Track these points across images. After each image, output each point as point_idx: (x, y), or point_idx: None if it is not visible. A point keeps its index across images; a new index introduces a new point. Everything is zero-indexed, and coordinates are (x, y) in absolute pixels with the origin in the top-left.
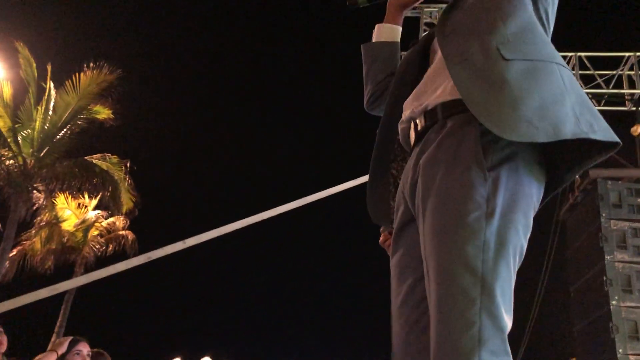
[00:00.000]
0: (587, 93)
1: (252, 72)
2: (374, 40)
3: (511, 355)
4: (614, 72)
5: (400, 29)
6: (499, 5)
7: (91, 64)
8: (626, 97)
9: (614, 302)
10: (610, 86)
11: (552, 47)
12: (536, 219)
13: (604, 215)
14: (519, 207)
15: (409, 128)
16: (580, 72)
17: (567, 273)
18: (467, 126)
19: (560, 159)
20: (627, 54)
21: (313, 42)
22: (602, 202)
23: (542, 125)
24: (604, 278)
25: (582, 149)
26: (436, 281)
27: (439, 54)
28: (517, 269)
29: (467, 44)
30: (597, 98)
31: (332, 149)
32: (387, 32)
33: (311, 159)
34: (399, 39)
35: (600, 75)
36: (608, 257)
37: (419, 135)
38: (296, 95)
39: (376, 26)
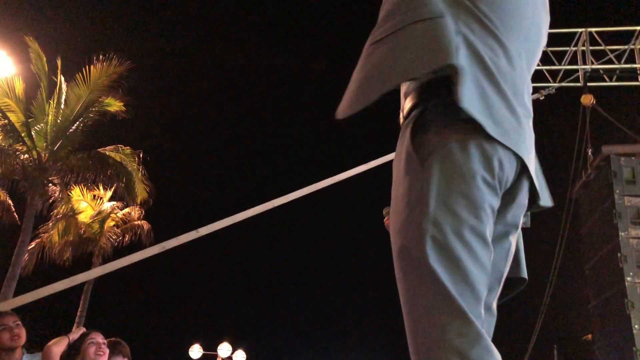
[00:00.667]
0: (599, 69)
1: (260, 64)
2: None
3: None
4: (626, 47)
5: None
6: None
7: (100, 56)
8: (638, 72)
9: (628, 279)
10: (622, 61)
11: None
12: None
13: (617, 191)
14: (454, 189)
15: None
16: (592, 47)
17: (582, 250)
18: (409, 124)
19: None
20: (638, 28)
21: (317, 38)
22: (615, 179)
23: None
24: (619, 255)
25: None
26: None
27: None
28: (486, 248)
29: None
30: (608, 74)
31: (340, 137)
32: None
33: (324, 146)
34: None
35: (612, 51)
36: (622, 234)
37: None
38: (304, 85)
39: None
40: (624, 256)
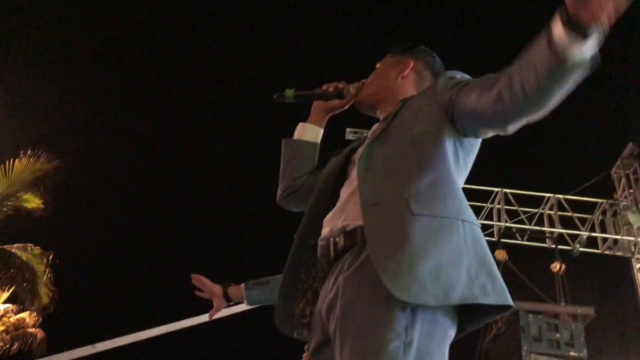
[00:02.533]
0: (512, 227)
1: (187, 165)
2: (295, 137)
3: None
4: (536, 210)
5: (322, 131)
6: (419, 157)
7: (28, 151)
8: (547, 235)
9: None
10: (533, 223)
11: (461, 201)
12: (461, 347)
13: (524, 347)
14: (434, 338)
15: (328, 246)
16: (506, 207)
17: None
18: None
19: (462, 312)
20: (547, 195)
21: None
22: (523, 335)
23: (434, 288)
24: None
25: (475, 310)
26: None
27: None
28: None
29: (382, 187)
30: (520, 233)
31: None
32: (310, 132)
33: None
34: (319, 141)
35: (524, 212)
36: None
37: (338, 254)
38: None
39: (299, 124)
40: None
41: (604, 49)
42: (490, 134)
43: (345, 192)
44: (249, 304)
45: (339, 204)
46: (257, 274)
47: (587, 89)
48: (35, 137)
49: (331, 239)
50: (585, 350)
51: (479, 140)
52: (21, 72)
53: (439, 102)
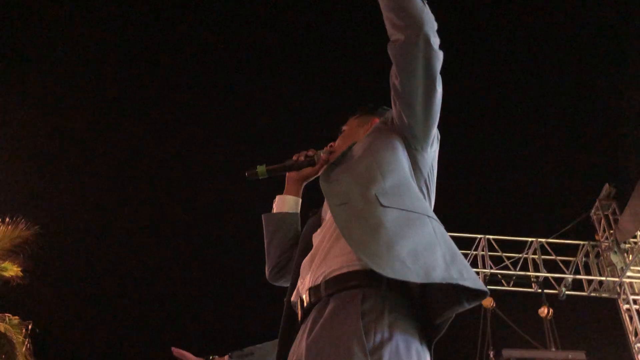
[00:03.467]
0: (497, 274)
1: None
2: (275, 211)
3: None
4: (520, 255)
5: (299, 199)
6: (379, 165)
7: (7, 219)
8: (532, 280)
9: None
10: (517, 268)
11: (425, 203)
12: None
13: None
14: None
15: (297, 305)
16: (490, 253)
17: None
18: (350, 305)
19: (433, 309)
20: (529, 239)
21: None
22: None
23: (414, 267)
24: None
25: (452, 296)
26: None
27: (326, 222)
28: None
29: (349, 189)
30: (506, 279)
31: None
32: (288, 203)
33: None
34: (298, 210)
35: (508, 258)
36: None
37: (305, 313)
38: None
39: (277, 197)
40: None
41: (582, 95)
42: (406, 91)
43: (316, 237)
44: None
45: (304, 262)
46: (247, 339)
47: (560, 134)
48: (13, 203)
49: (299, 298)
50: None
51: (428, 154)
52: None
53: (386, 121)
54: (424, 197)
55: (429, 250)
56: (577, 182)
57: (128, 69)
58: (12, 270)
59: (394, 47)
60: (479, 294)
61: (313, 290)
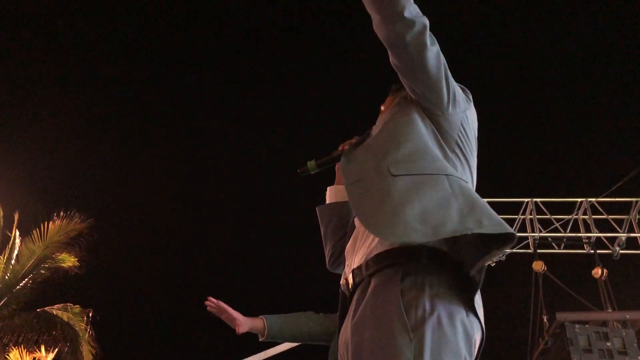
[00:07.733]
0: (547, 237)
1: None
2: (327, 202)
3: None
4: (570, 216)
5: None
6: (395, 136)
7: (61, 213)
8: (584, 241)
9: None
10: (568, 230)
11: (445, 163)
12: None
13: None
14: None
15: (345, 286)
16: (538, 216)
17: None
18: (390, 283)
19: (467, 265)
20: (579, 200)
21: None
22: (572, 347)
23: (422, 227)
24: None
25: (481, 247)
26: None
27: None
28: None
29: (364, 165)
30: (556, 242)
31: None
32: (339, 192)
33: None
34: None
35: (557, 220)
36: None
37: (351, 294)
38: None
39: (328, 188)
40: None
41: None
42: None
43: (353, 234)
44: (269, 337)
45: (347, 246)
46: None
47: (607, 89)
48: (67, 198)
49: (346, 280)
50: None
51: (453, 116)
52: (43, 137)
53: (407, 96)
54: (458, 159)
55: (442, 207)
56: (626, 136)
57: (186, 75)
58: (69, 261)
59: (375, 27)
60: (504, 238)
61: (356, 271)
